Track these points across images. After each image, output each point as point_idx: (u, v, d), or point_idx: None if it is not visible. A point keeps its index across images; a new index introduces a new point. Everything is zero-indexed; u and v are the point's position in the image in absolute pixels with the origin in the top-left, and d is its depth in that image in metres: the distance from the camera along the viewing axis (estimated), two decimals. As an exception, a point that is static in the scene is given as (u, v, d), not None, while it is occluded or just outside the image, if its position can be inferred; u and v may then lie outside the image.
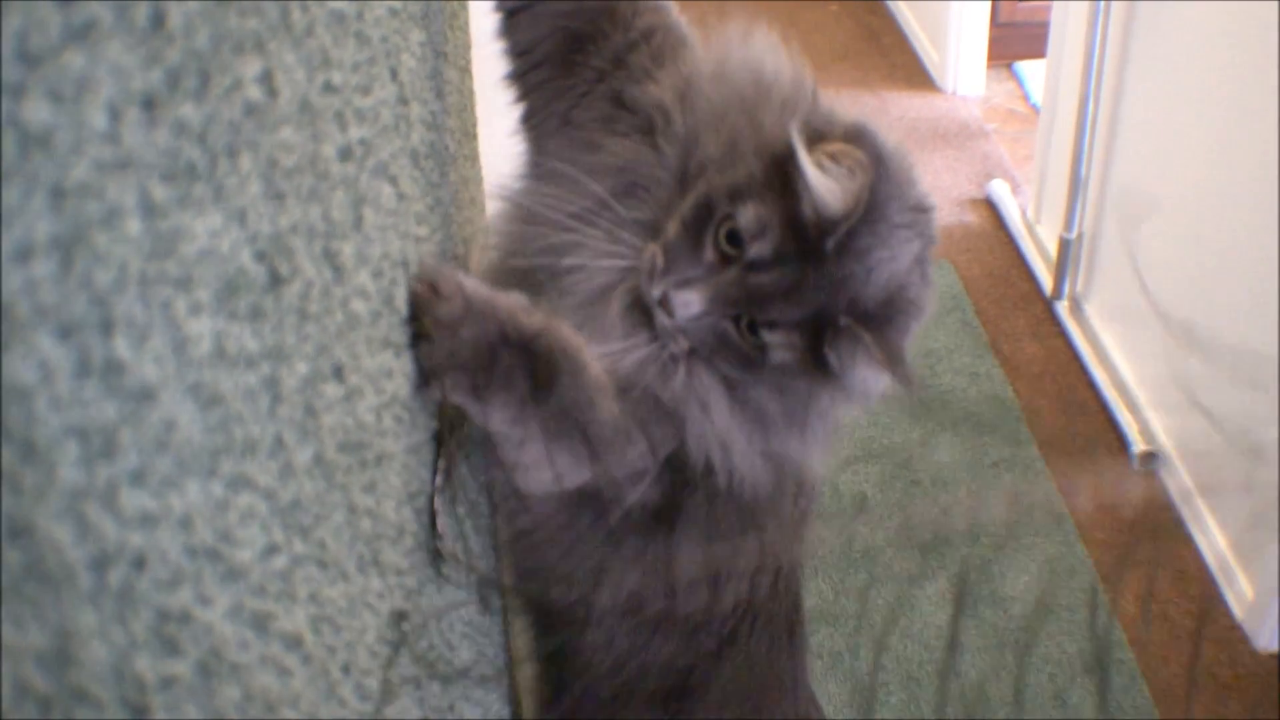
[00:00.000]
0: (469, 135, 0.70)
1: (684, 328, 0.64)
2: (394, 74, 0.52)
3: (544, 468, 0.61)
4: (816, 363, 0.64)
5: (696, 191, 0.63)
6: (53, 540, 0.27)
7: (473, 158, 0.71)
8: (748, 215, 0.61)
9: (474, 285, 0.56)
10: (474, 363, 0.54)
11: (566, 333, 0.58)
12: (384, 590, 0.47)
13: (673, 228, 0.63)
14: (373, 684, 0.44)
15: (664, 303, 0.63)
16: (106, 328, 0.29)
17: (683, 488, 0.69)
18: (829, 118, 0.66)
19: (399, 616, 0.49)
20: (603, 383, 0.60)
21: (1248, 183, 1.75)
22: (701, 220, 0.62)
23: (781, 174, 0.62)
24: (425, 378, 0.54)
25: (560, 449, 0.60)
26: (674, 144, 0.67)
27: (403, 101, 0.53)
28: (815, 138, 0.63)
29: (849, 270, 0.62)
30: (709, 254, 0.63)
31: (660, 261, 0.63)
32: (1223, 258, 1.86)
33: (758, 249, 0.62)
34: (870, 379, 0.64)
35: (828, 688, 1.74)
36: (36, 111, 0.28)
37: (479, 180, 0.74)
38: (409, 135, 0.54)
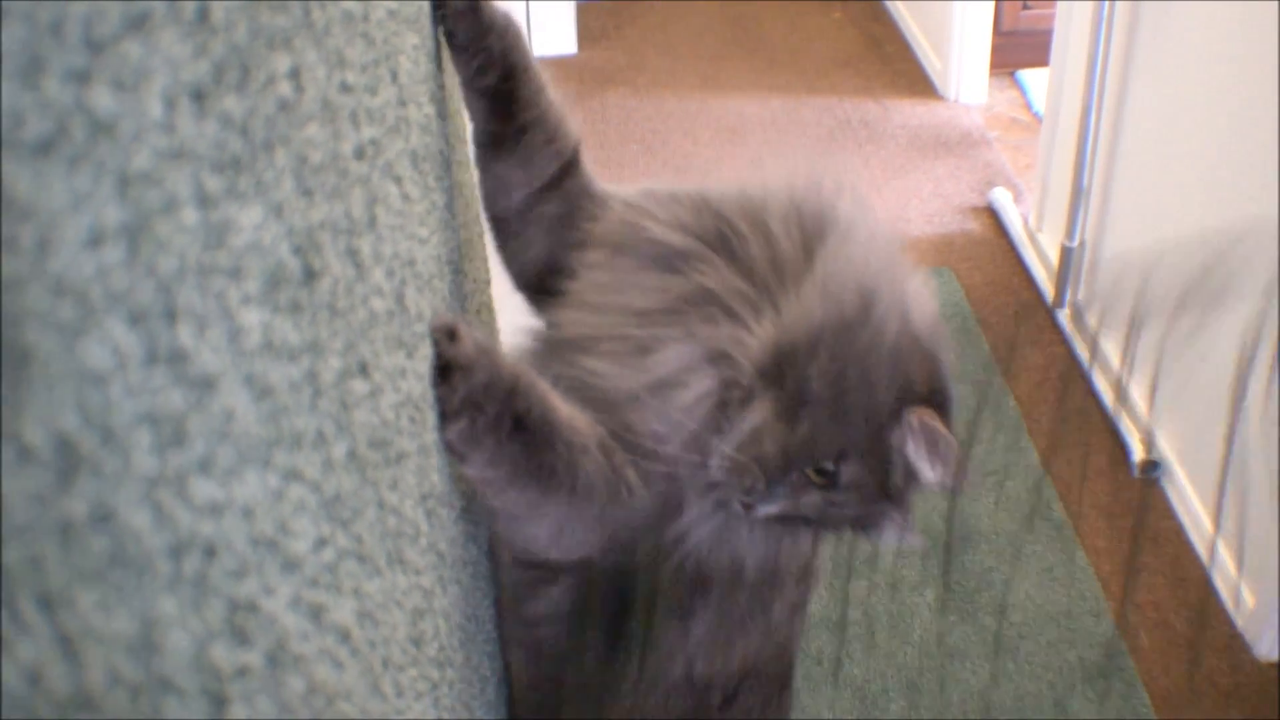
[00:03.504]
0: (462, 141, 0.70)
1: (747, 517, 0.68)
2: (394, 76, 0.52)
3: (530, 520, 0.66)
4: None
5: (802, 432, 0.65)
6: (133, 527, 0.27)
7: (464, 163, 0.72)
8: (849, 472, 0.66)
9: (476, 332, 0.60)
10: (488, 405, 0.58)
11: (539, 381, 0.62)
12: (408, 588, 0.47)
13: (774, 454, 0.65)
14: (405, 680, 0.44)
15: (748, 507, 0.67)
16: (171, 316, 0.29)
17: (698, 583, 0.73)
18: (932, 367, 0.69)
19: (418, 615, 0.49)
20: (582, 432, 0.64)
21: (1250, 191, 1.77)
22: (803, 461, 0.66)
23: (880, 437, 0.66)
24: (444, 419, 0.57)
25: (532, 493, 0.63)
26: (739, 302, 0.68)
27: (402, 104, 0.53)
28: (908, 395, 0.67)
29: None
30: (795, 475, 0.66)
31: (761, 486, 0.65)
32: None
33: (843, 498, 0.67)
34: (886, 537, 0.72)
35: (826, 694, 1.73)
36: (101, 98, 0.28)
37: (472, 186, 0.74)
38: (409, 137, 0.54)
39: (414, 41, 0.58)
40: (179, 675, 0.27)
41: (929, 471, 0.66)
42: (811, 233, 0.69)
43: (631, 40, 3.58)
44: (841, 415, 0.65)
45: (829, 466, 0.66)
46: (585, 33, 3.56)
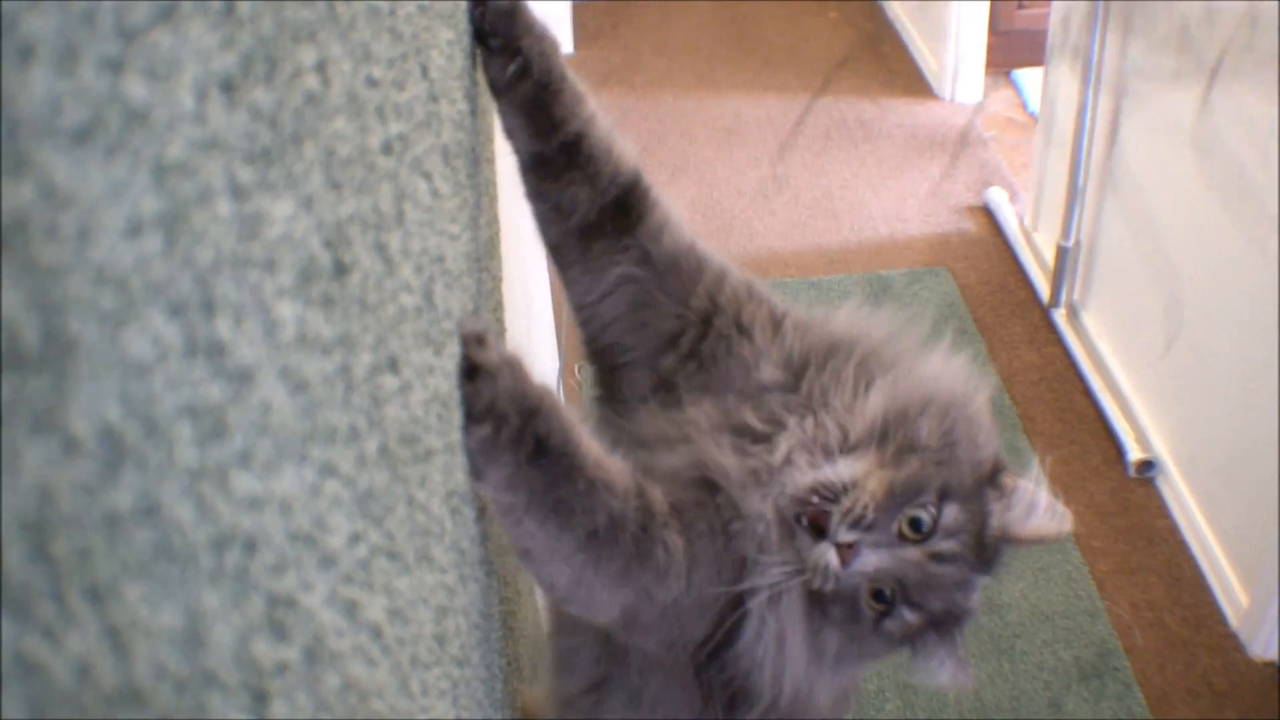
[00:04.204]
0: (489, 138, 0.70)
1: (838, 575, 0.65)
2: (424, 71, 0.51)
3: (547, 559, 0.64)
4: (911, 637, 0.70)
5: (911, 469, 0.66)
6: (177, 520, 0.26)
7: (491, 159, 0.71)
8: (951, 514, 0.66)
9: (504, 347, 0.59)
10: (511, 415, 0.57)
11: (567, 412, 0.61)
12: (434, 586, 0.46)
13: (880, 488, 0.65)
14: (430, 679, 0.44)
15: (845, 549, 0.64)
16: (209, 307, 0.29)
17: (740, 696, 0.72)
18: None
19: (442, 613, 0.49)
20: (611, 480, 0.62)
21: (1246, 190, 1.76)
22: (908, 498, 0.65)
23: (980, 489, 0.68)
24: (469, 421, 0.56)
25: (550, 528, 0.61)
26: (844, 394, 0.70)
27: (433, 99, 0.53)
28: (1000, 467, 0.71)
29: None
30: (894, 526, 0.66)
31: (870, 516, 0.64)
32: (1221, 266, 1.87)
33: (947, 546, 0.66)
34: (944, 670, 0.73)
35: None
36: (135, 87, 0.28)
37: (496, 183, 0.74)
38: (440, 133, 0.54)
39: (448, 37, 0.58)
40: (222, 670, 0.27)
41: (1029, 526, 0.69)
42: (915, 350, 0.73)
43: (628, 40, 3.58)
44: (947, 461, 0.67)
45: (928, 514, 0.66)
46: (582, 32, 3.56)
